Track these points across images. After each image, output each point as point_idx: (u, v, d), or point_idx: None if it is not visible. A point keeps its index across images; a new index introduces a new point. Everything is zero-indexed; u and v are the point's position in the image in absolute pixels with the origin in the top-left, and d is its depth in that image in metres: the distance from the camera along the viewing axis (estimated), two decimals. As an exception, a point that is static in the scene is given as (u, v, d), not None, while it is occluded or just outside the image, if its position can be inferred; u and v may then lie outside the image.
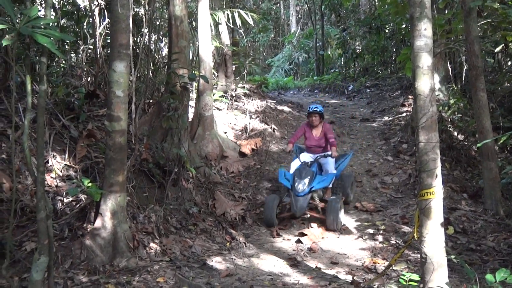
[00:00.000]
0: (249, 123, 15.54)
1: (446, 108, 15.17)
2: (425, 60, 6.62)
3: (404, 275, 6.53)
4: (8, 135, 8.77)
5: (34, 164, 7.04)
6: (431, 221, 6.67)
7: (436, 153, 6.67)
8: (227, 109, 16.39)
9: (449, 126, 14.74)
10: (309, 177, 10.68)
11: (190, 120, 12.86)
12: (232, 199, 11.49)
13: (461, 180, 12.70)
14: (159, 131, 11.19)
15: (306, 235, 10.21)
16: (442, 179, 6.82)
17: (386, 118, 18.12)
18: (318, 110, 11.53)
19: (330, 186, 11.40)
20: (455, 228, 10.10)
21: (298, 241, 10.03)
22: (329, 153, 11.31)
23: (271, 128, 15.75)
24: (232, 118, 15.82)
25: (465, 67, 15.83)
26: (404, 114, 17.38)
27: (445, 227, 6.93)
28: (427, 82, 6.62)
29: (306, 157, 11.69)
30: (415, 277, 6.51)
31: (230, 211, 10.87)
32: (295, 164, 11.49)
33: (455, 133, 14.69)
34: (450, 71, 16.72)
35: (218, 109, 15.92)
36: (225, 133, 14.62)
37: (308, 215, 10.97)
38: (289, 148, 11.54)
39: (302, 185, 10.55)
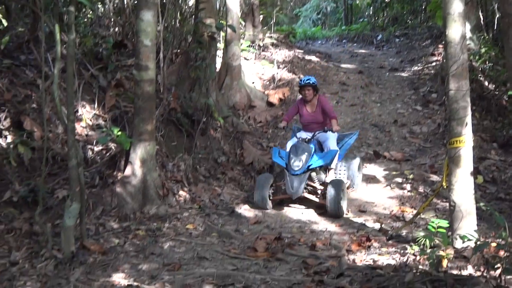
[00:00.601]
0: (277, 73, 15.46)
1: (477, 57, 14.93)
2: (456, 7, 6.51)
3: (433, 222, 6.54)
4: (38, 85, 8.84)
5: (64, 113, 7.10)
6: (460, 169, 6.65)
7: (467, 101, 6.61)
8: (255, 59, 16.32)
9: (479, 75, 14.53)
10: (306, 153, 9.28)
11: (217, 70, 12.85)
12: (260, 148, 11.54)
13: (491, 130, 12.59)
14: (187, 81, 11.19)
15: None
16: (472, 128, 6.77)
17: (415, 67, 17.90)
18: (310, 82, 9.93)
19: (333, 167, 9.92)
20: (485, 178, 10.07)
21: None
22: (328, 128, 9.72)
23: (299, 78, 15.64)
24: (259, 68, 15.75)
25: (497, 15, 15.50)
26: (433, 64, 17.16)
27: (474, 176, 6.90)
28: (458, 29, 6.52)
29: (304, 135, 10.04)
30: (444, 223, 6.51)
31: (258, 160, 10.92)
32: (291, 143, 9.95)
33: (486, 83, 14.48)
34: (482, 19, 16.40)
35: (245, 59, 15.85)
36: (253, 83, 14.58)
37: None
38: (282, 124, 10.10)
39: (299, 162, 9.18)
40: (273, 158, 9.66)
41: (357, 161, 10.47)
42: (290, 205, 9.63)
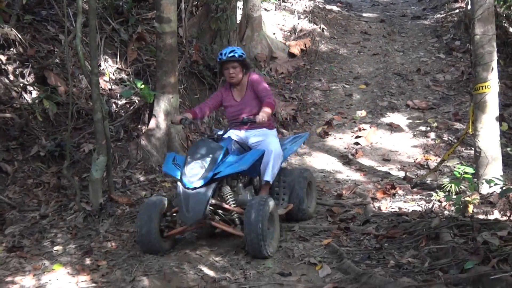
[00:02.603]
0: (298, 23, 15.31)
1: (501, 2, 14.68)
2: (482, -51, 6.41)
3: (458, 167, 6.53)
4: (60, 40, 8.88)
5: (87, 67, 7.15)
6: (486, 115, 6.63)
7: (493, 46, 6.56)
8: (275, 10, 16.14)
9: (504, 21, 14.29)
10: (210, 155, 5.83)
11: (238, 21, 12.78)
12: (282, 100, 11.50)
13: (516, 77, 12.45)
14: (208, 33, 11.15)
15: (361, 136, 10.12)
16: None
17: (438, 15, 17.62)
18: (236, 55, 6.41)
19: (269, 180, 6.37)
20: (509, 124, 9.98)
21: (356, 143, 9.97)
22: (247, 117, 6.30)
23: (320, 28, 15.51)
24: (280, 19, 15.62)
25: (522, -41, 15.17)
26: (457, 11, 16.89)
27: (499, 123, 6.87)
28: (483, -29, 6.43)
29: (233, 135, 6.57)
30: (470, 169, 6.50)
31: (281, 111, 10.89)
32: None
33: (511, 29, 14.26)
34: (506, -37, 16.06)
35: (266, 10, 15.69)
36: (274, 34, 14.48)
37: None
38: (178, 117, 6.58)
39: (198, 169, 5.76)
40: (164, 167, 6.34)
41: (303, 177, 6.83)
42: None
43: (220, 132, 6.31)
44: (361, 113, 11.13)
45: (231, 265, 5.38)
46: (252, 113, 6.38)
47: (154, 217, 5.83)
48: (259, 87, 6.51)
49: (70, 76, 7.62)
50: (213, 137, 6.13)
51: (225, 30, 10.99)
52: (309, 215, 6.80)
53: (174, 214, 6.09)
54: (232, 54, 6.38)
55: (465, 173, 6.46)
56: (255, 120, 6.08)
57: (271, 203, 5.79)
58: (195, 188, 5.69)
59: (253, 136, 6.54)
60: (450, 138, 9.74)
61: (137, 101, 8.77)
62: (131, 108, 8.78)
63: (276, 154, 6.32)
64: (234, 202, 5.97)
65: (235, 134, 6.54)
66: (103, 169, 6.84)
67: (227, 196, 5.97)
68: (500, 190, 6.01)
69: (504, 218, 5.75)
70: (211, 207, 5.83)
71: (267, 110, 6.20)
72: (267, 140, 6.42)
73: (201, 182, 5.70)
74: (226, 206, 5.92)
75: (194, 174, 5.74)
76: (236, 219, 5.92)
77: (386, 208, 6.96)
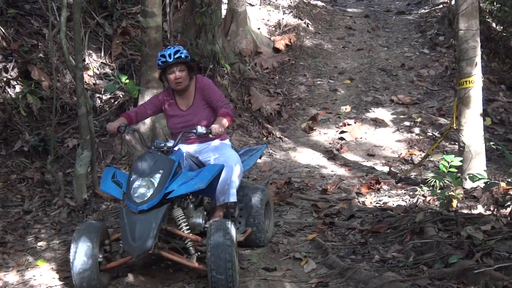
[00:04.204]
0: (283, 18, 15.31)
1: (485, -3, 14.76)
2: None
3: (445, 158, 6.52)
4: (44, 34, 8.83)
5: (72, 62, 7.12)
6: (470, 110, 6.67)
7: (476, 40, 6.60)
8: (260, 5, 16.12)
9: (487, 17, 14.37)
10: (161, 171, 4.90)
11: (223, 16, 12.76)
12: (267, 95, 11.50)
13: (499, 72, 12.50)
14: (193, 27, 11.11)
15: (346, 132, 10.13)
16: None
17: (422, 10, 17.69)
18: (182, 56, 5.43)
19: (233, 200, 5.52)
20: (493, 119, 10.04)
21: (341, 138, 9.97)
22: (203, 129, 5.20)
23: (305, 23, 15.51)
24: (265, 14, 15.60)
25: (505, -45, 15.23)
26: (441, 6, 16.96)
27: (482, 118, 6.93)
28: (467, -33, 6.46)
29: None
30: (457, 160, 6.49)
31: (266, 106, 10.91)
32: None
33: (494, 24, 14.35)
34: (490, -41, 16.13)
35: (250, 4, 15.66)
36: (259, 29, 14.46)
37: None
38: (114, 124, 5.50)
39: (146, 188, 4.82)
40: (102, 186, 5.40)
41: (261, 196, 5.90)
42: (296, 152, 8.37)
43: (170, 144, 5.34)
44: (346, 108, 11.16)
45: (217, 260, 5.35)
46: (204, 124, 5.44)
47: (89, 246, 4.87)
48: (211, 95, 5.62)
49: (54, 71, 7.59)
50: (162, 149, 5.18)
51: (210, 25, 10.93)
52: (267, 241, 5.89)
53: (115, 242, 5.26)
54: (178, 55, 5.40)
55: (451, 166, 6.46)
56: (210, 132, 5.19)
57: (233, 225, 4.93)
58: (142, 211, 4.75)
59: (205, 150, 5.68)
60: (434, 133, 9.79)
61: (121, 96, 8.73)
62: (116, 103, 8.74)
63: (236, 170, 5.46)
64: (187, 227, 5.11)
65: (184, 147, 5.65)
66: (88, 164, 6.82)
67: (179, 220, 5.09)
68: (484, 184, 6.07)
69: (488, 212, 5.79)
70: (160, 234, 4.93)
71: (224, 121, 5.32)
72: (225, 153, 5.53)
73: (150, 204, 4.76)
74: (180, 232, 5.06)
75: (141, 194, 4.79)
76: (191, 247, 5.03)
77: (371, 203, 6.98)
